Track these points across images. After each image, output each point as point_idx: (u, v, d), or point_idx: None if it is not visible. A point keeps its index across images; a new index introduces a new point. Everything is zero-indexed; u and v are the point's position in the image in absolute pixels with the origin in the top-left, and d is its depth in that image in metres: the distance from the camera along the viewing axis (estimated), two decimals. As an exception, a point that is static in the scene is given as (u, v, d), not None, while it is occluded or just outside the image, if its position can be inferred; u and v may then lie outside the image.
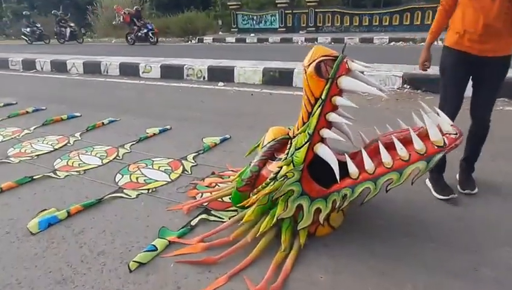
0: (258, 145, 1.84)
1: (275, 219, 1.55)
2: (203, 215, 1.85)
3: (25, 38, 16.13)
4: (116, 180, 2.31)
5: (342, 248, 1.59)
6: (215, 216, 1.86)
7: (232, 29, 17.85)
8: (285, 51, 9.46)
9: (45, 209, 1.96)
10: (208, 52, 9.36)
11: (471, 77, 1.92)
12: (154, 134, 3.16)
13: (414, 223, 1.76)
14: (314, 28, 14.69)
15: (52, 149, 2.90)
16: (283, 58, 6.00)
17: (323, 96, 1.46)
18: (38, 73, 7.21)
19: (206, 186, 2.17)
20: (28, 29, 15.83)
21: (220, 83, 5.21)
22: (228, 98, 4.51)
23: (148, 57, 6.81)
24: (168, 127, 3.32)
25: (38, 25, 16.06)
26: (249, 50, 10.29)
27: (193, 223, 1.80)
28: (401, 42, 11.20)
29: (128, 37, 13.35)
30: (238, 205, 1.75)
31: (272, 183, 1.56)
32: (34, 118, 3.89)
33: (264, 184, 1.60)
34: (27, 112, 4.09)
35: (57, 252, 1.64)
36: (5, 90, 5.66)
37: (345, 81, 1.43)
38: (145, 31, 12.77)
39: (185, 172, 2.40)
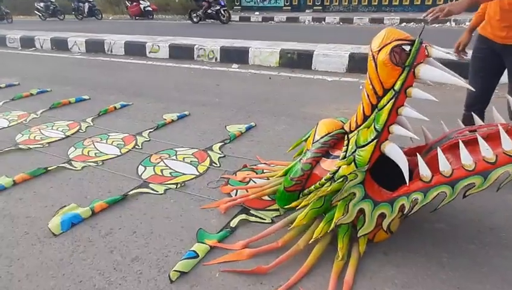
0: (306, 139, 1.65)
1: (332, 225, 1.37)
2: (243, 216, 1.68)
3: (39, 14, 15.40)
4: (139, 173, 2.13)
5: (405, 258, 1.43)
6: (256, 216, 1.68)
7: (235, 7, 17.33)
8: (293, 31, 9.14)
9: (65, 206, 1.78)
10: (217, 31, 9.02)
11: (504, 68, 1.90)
12: (172, 120, 2.95)
13: (481, 227, 1.59)
14: (320, 7, 14.25)
15: (64, 136, 2.70)
16: (294, 39, 5.73)
17: (396, 87, 1.26)
18: (38, 51, 6.89)
19: (240, 181, 1.98)
20: (42, 4, 15.04)
21: (234, 65, 4.95)
22: (245, 82, 4.27)
23: (155, 36, 6.50)
24: (186, 112, 3.11)
25: (53, 0, 15.29)
26: (255, 29, 9.93)
27: (232, 224, 1.63)
28: (412, 23, 10.84)
29: (193, 14, 12.03)
30: (286, 207, 1.57)
31: (328, 184, 1.38)
32: (39, 100, 3.66)
33: (318, 184, 1.42)
34: (31, 94, 3.86)
35: (85, 258, 1.47)
36: (4, 69, 5.37)
37: (424, 70, 1.23)
38: (217, 7, 11.38)
39: (213, 164, 2.21)
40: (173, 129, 2.82)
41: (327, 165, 1.46)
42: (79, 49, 6.50)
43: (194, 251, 1.46)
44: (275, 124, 2.82)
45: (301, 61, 4.65)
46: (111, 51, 6.17)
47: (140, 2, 17.16)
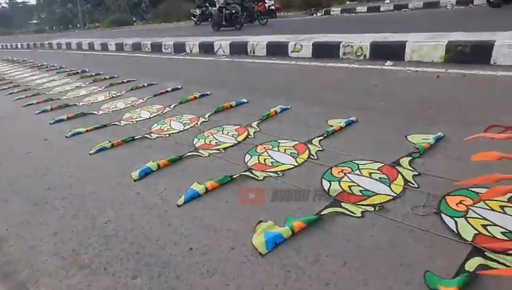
0: None
1: None
2: (479, 259, 1.35)
3: (193, 19, 17.24)
4: (325, 188, 1.98)
5: None
6: (497, 262, 1.34)
7: (362, -2, 16.49)
8: (438, 19, 8.04)
9: (261, 221, 1.74)
10: (346, 25, 8.57)
11: None
12: (341, 127, 2.75)
13: None
14: (466, -12, 12.34)
15: (236, 142, 2.76)
16: (440, 28, 4.94)
17: None
18: (188, 55, 7.62)
19: (455, 209, 1.65)
20: (198, 10, 16.83)
21: (388, 62, 4.51)
22: (407, 82, 3.82)
23: (296, 34, 6.48)
24: (353, 118, 2.87)
25: (207, 5, 16.91)
26: (388, 20, 9.10)
27: (469, 267, 1.32)
28: None
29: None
30: None
31: None
32: (203, 104, 3.91)
33: None
34: (195, 98, 4.16)
35: (300, 287, 1.36)
36: (165, 73, 6.04)
37: None
38: None
39: (409, 184, 1.92)
40: (344, 138, 2.62)
41: None
42: (223, 52, 6.93)
43: (430, 302, 1.21)
44: (469, 135, 2.36)
45: (474, 55, 3.94)
46: (253, 52, 6.37)
47: (266, 1, 17.70)
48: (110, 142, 2.97)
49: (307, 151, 2.44)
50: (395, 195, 1.84)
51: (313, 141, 2.57)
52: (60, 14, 47.58)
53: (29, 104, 4.81)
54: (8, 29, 53.10)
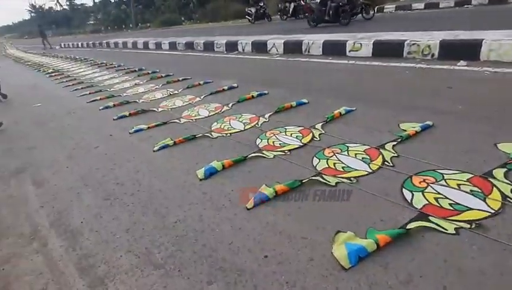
0: None
1: None
2: None
3: (248, 18, 17.27)
4: (407, 199, 1.81)
5: None
6: None
7: (418, -6, 15.60)
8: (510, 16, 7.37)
9: (339, 231, 1.62)
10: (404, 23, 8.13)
11: None
12: (416, 132, 2.54)
13: None
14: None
15: (301, 144, 2.64)
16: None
17: None
18: (240, 54, 7.62)
19: None
20: (252, 9, 16.85)
21: (461, 62, 4.16)
22: (485, 83, 3.49)
23: (355, 33, 6.23)
24: (429, 123, 2.64)
25: (262, 4, 16.81)
26: (450, 17, 8.49)
27: None
28: None
29: None
30: None
31: None
32: (261, 103, 3.84)
33: None
34: (252, 97, 4.10)
35: (394, 311, 1.23)
36: (220, 72, 6.06)
37: None
38: None
39: (508, 199, 1.70)
40: (421, 144, 2.40)
41: None
42: (277, 50, 6.83)
43: None
44: None
45: None
46: (308, 51, 6.21)
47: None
48: (172, 139, 2.99)
49: (381, 157, 2.27)
50: (493, 211, 1.63)
51: (386, 146, 2.39)
52: (114, 15, 50.19)
53: (93, 100, 5.04)
54: (68, 30, 57.11)
